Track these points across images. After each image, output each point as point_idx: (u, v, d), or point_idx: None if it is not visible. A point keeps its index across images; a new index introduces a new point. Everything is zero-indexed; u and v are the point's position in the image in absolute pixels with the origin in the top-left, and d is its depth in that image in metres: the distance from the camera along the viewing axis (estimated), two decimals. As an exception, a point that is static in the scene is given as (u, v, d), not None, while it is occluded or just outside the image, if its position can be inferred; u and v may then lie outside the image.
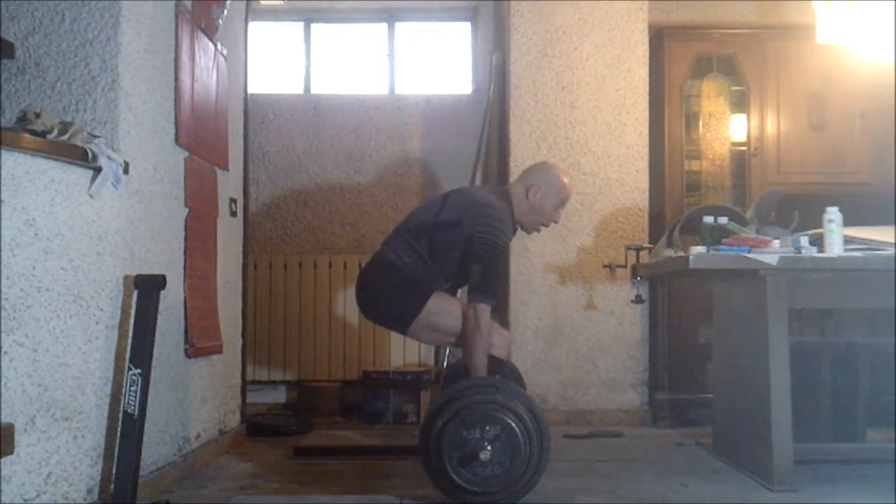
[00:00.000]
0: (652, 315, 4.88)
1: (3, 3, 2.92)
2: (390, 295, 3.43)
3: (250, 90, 4.65)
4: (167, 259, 3.30)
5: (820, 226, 3.38)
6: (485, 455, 2.89)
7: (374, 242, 5.39)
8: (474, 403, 2.97)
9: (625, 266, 4.56)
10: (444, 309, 3.38)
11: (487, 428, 2.92)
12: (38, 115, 2.66)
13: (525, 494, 2.99)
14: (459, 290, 3.58)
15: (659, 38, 5.02)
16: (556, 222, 3.62)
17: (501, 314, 4.86)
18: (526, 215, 3.54)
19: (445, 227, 3.40)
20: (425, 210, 3.55)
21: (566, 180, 3.59)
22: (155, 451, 3.16)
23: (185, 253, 3.49)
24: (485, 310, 3.28)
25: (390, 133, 5.50)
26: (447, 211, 3.44)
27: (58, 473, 2.57)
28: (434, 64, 5.78)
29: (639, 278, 4.34)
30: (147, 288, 2.86)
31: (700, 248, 3.41)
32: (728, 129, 5.01)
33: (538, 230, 3.66)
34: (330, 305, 5.17)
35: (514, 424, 2.93)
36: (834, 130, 4.99)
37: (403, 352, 5.14)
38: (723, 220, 3.62)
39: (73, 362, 2.64)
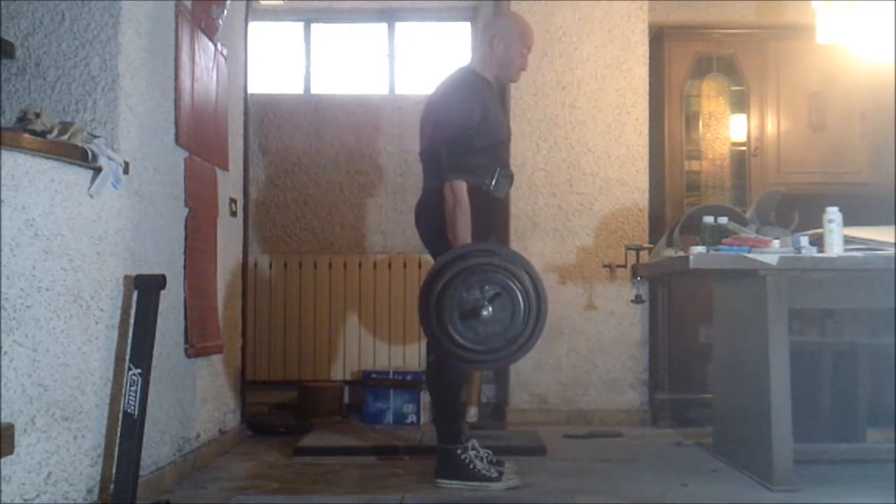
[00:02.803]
0: (652, 315, 4.88)
1: (3, 3, 2.92)
2: (432, 226, 3.47)
3: (250, 90, 4.64)
4: (167, 259, 3.30)
5: (820, 226, 3.38)
6: (486, 312, 2.97)
7: (373, 242, 5.40)
8: (473, 266, 3.04)
9: (625, 266, 4.56)
10: None
11: (486, 288, 3.00)
12: (38, 115, 2.66)
13: (524, 354, 3.07)
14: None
15: (659, 38, 5.02)
16: (524, 69, 3.64)
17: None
18: (498, 68, 3.56)
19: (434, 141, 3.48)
20: (421, 138, 3.62)
21: (526, 25, 3.62)
22: (155, 451, 3.16)
23: (185, 253, 3.49)
24: (459, 184, 3.30)
25: (390, 133, 5.50)
26: (426, 127, 3.54)
27: (58, 473, 2.57)
28: (434, 64, 5.78)
29: (639, 278, 4.33)
30: (147, 288, 2.86)
31: (700, 248, 3.41)
32: (728, 129, 5.01)
33: (517, 78, 3.69)
34: (330, 305, 5.17)
35: (512, 284, 3.01)
36: (834, 130, 4.99)
37: (403, 352, 5.14)
38: (723, 220, 3.61)
39: (73, 362, 2.64)
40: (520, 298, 3.01)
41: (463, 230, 3.27)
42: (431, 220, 3.44)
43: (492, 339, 3.02)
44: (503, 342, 3.02)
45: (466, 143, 3.34)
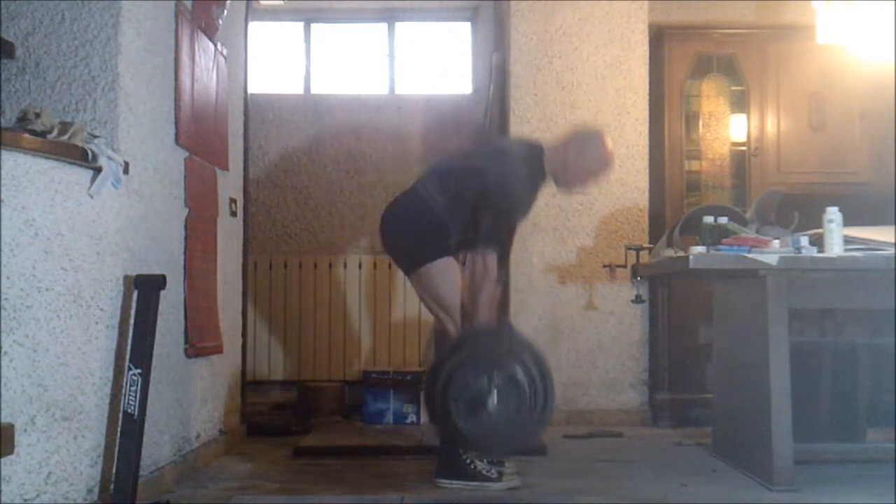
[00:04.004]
0: (652, 315, 4.88)
1: (3, 3, 2.92)
2: (414, 231, 3.41)
3: (250, 90, 4.64)
4: (167, 259, 3.30)
5: (820, 226, 3.38)
6: (492, 404, 2.94)
7: (374, 243, 5.39)
8: (481, 351, 3.01)
9: (625, 266, 4.56)
10: (450, 279, 3.34)
11: (494, 375, 2.96)
12: (38, 115, 2.66)
13: (529, 444, 3.06)
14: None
15: (659, 38, 5.02)
16: (578, 187, 3.57)
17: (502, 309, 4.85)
18: (559, 173, 3.48)
19: (470, 172, 3.35)
20: (457, 156, 3.50)
21: (609, 154, 3.51)
22: (155, 451, 3.16)
23: (185, 253, 3.49)
24: (492, 257, 3.27)
25: (390, 133, 5.50)
26: (475, 157, 3.41)
27: (58, 473, 2.57)
28: (434, 64, 5.78)
29: (639, 278, 4.34)
30: (147, 288, 2.86)
31: (700, 248, 3.41)
32: (728, 129, 5.01)
33: (571, 193, 3.64)
34: (330, 305, 5.17)
35: (520, 373, 2.97)
36: (834, 130, 4.99)
37: (403, 352, 5.14)
38: (723, 220, 3.62)
39: (73, 362, 2.64)
40: (526, 389, 2.96)
41: (489, 304, 3.25)
42: (414, 225, 3.40)
43: (497, 429, 2.97)
44: (507, 433, 2.99)
45: (509, 219, 3.36)
